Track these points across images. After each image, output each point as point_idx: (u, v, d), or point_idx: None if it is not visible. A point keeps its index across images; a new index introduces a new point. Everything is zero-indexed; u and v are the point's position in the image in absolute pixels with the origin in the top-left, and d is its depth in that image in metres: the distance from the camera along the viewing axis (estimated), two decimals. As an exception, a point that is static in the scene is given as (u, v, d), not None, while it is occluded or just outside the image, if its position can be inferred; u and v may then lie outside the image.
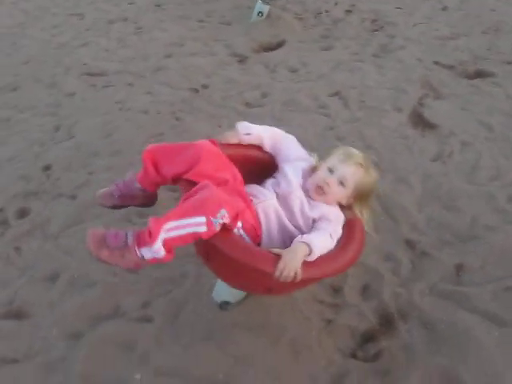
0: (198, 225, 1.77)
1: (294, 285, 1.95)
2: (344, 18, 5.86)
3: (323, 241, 1.97)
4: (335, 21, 5.82)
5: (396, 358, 2.24)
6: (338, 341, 2.33)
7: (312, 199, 2.14)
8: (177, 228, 1.78)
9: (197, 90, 4.36)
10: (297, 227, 2.11)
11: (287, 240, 2.07)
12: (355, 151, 2.23)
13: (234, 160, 2.20)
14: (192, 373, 2.16)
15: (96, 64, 4.82)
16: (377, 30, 5.59)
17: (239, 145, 2.32)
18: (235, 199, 1.97)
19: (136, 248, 1.80)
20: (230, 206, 1.83)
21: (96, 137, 3.72)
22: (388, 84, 4.45)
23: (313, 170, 2.25)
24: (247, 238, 2.02)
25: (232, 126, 2.38)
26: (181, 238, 1.80)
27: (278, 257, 1.84)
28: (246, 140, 2.32)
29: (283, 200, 2.14)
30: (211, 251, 2.02)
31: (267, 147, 2.36)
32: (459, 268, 2.68)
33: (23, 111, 4.13)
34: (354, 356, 2.29)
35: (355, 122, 3.90)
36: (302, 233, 2.05)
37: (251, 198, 2.14)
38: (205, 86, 4.44)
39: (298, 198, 2.13)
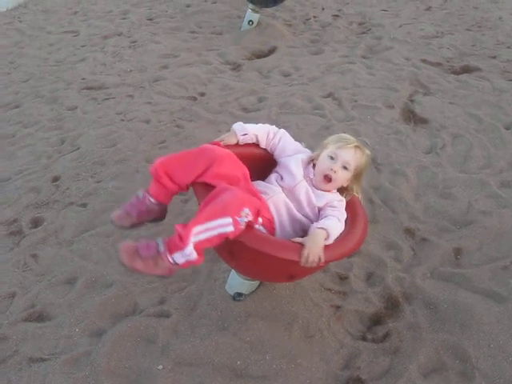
0: (224, 225, 1.88)
1: (314, 268, 2.09)
2: (332, 23, 6.02)
3: (336, 225, 2.12)
4: (323, 26, 5.98)
5: (403, 338, 2.37)
6: (348, 325, 2.46)
7: (316, 188, 2.28)
8: (206, 230, 1.89)
9: (195, 98, 4.49)
10: (305, 216, 2.25)
11: (297, 229, 2.24)
12: (348, 135, 2.38)
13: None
14: (211, 361, 2.27)
15: (95, 78, 4.94)
16: (364, 33, 5.74)
17: (238, 145, 2.43)
18: (251, 197, 2.10)
19: (168, 255, 1.90)
20: (251, 205, 1.97)
21: (100, 147, 3.84)
22: (378, 83, 4.60)
23: (312, 160, 2.38)
24: (266, 232, 2.15)
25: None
26: (209, 239, 1.90)
27: (301, 245, 1.98)
28: (244, 140, 2.44)
29: (290, 193, 2.28)
30: (236, 249, 2.12)
31: (263, 144, 2.48)
32: (457, 251, 2.82)
33: (27, 126, 4.24)
34: (363, 338, 2.41)
35: (349, 121, 4.04)
36: (310, 220, 2.21)
37: (261, 194, 2.27)
38: (202, 94, 4.57)
39: (303, 190, 2.27)
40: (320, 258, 1.97)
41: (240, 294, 2.50)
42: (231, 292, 2.53)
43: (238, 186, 2.13)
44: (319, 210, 2.25)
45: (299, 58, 5.21)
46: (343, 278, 2.69)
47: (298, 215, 2.24)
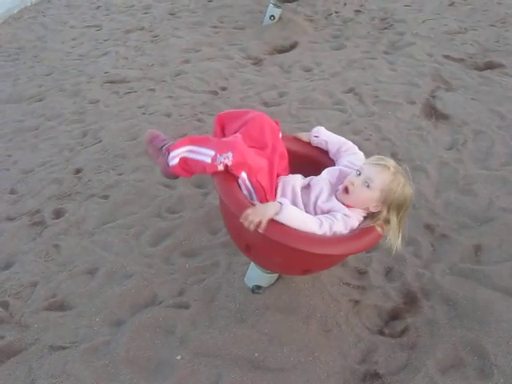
0: (205, 155, 2.11)
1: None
2: (354, 18, 5.98)
3: (303, 217, 2.00)
4: (345, 21, 5.95)
5: (421, 333, 2.37)
6: (366, 319, 2.46)
7: (337, 199, 2.16)
8: (191, 151, 2.17)
9: (216, 93, 4.50)
10: (308, 212, 2.15)
11: None
12: (387, 158, 2.18)
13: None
14: (229, 352, 2.29)
15: (117, 72, 4.98)
16: (386, 28, 5.70)
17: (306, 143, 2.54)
18: (257, 158, 2.13)
19: (166, 152, 2.25)
20: (238, 154, 2.03)
21: (122, 140, 3.87)
22: (400, 79, 4.57)
23: None
24: (253, 193, 2.15)
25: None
26: (192, 160, 2.17)
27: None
28: (314, 142, 2.52)
29: (309, 187, 2.26)
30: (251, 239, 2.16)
31: (331, 153, 2.50)
32: (477, 248, 2.79)
33: (50, 119, 4.29)
34: (381, 333, 2.41)
35: (370, 116, 4.02)
36: None
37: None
38: (223, 88, 4.58)
39: (318, 188, 2.21)
40: (260, 224, 1.89)
41: (259, 287, 2.51)
42: (250, 285, 2.54)
43: (260, 151, 2.20)
44: (322, 213, 2.14)
45: (320, 53, 5.19)
46: (362, 273, 2.69)
47: (300, 205, 2.18)
